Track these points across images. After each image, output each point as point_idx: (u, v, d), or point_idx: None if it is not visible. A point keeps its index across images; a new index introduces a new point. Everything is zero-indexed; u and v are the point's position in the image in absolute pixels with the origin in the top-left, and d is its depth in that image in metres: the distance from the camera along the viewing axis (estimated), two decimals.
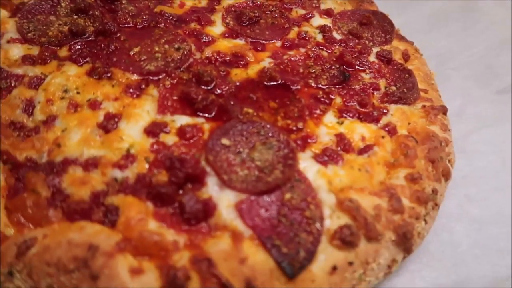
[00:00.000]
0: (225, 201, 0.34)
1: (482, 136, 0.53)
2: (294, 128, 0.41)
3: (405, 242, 0.37)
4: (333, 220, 0.35)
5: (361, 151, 0.41)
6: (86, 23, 0.45)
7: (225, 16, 0.51)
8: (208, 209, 0.34)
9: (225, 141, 0.38)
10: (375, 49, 0.52)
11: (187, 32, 0.48)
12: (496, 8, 0.66)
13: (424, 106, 0.48)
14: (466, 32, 0.62)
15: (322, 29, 0.53)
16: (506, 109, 0.57)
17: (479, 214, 0.46)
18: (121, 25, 0.47)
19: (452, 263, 0.43)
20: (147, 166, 0.36)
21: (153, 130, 0.38)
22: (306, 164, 0.38)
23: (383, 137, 0.43)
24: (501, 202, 0.47)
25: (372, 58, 0.51)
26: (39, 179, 0.34)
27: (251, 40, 0.49)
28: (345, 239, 0.34)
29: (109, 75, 0.41)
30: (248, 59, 0.47)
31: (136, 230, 0.32)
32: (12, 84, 0.39)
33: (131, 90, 0.40)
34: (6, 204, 0.35)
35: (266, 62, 0.47)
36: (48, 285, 0.30)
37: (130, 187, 0.35)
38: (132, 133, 0.37)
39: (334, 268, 0.34)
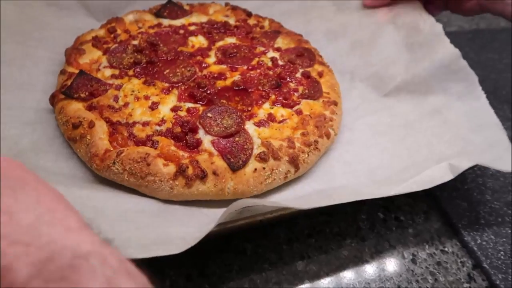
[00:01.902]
0: (206, 139, 0.66)
1: (365, 121, 0.80)
2: (246, 110, 0.73)
3: (294, 162, 0.66)
4: (257, 150, 0.66)
5: (280, 122, 0.72)
6: (142, 58, 0.80)
7: (217, 52, 0.84)
8: (198, 142, 0.66)
9: (209, 114, 0.70)
10: (301, 70, 0.82)
11: (195, 61, 0.82)
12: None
13: (323, 101, 0.81)
14: (370, 54, 0.88)
15: (272, 59, 0.84)
16: (388, 105, 0.82)
17: (350, 159, 0.73)
18: (159, 58, 0.81)
19: (328, 178, 0.70)
20: (171, 124, 0.68)
21: (175, 109, 0.71)
22: (249, 126, 0.69)
23: (292, 115, 0.73)
24: (366, 155, 0.74)
25: (298, 75, 0.81)
26: (123, 129, 0.72)
27: (230, 65, 0.82)
28: (261, 157, 0.65)
29: (154, 83, 0.78)
30: (227, 75, 0.79)
31: (165, 150, 0.68)
32: (107, 88, 0.75)
33: (164, 91, 0.75)
34: (109, 140, 0.72)
35: (237, 77, 0.79)
36: (129, 169, 0.67)
37: (163, 133, 0.68)
38: (164, 110, 0.70)
39: (255, 170, 0.64)
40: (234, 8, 0.98)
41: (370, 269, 0.66)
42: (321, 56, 0.91)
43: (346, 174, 0.73)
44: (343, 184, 0.71)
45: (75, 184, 0.64)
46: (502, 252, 0.68)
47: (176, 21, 0.92)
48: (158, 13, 0.92)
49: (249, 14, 0.97)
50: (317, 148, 0.73)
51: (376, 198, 0.63)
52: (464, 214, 0.73)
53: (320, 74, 0.85)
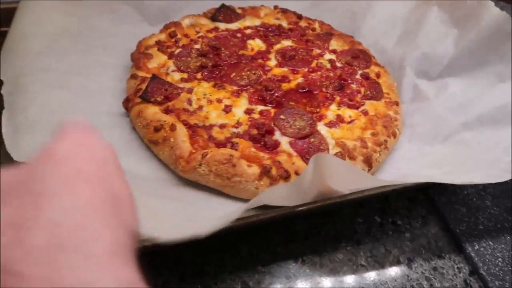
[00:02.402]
0: (284, 140, 0.68)
1: (422, 111, 0.81)
2: (315, 111, 0.77)
3: (368, 161, 0.69)
4: (333, 150, 0.69)
5: (349, 122, 0.75)
6: (207, 61, 0.82)
7: (276, 55, 0.86)
8: (276, 144, 0.68)
9: (282, 116, 0.73)
10: (360, 71, 0.85)
11: (257, 65, 0.83)
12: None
13: (385, 101, 0.85)
14: (418, 39, 0.88)
15: (330, 61, 0.86)
16: (442, 86, 0.82)
17: (414, 155, 0.74)
18: (223, 61, 0.83)
19: (396, 173, 0.72)
20: (247, 127, 0.70)
21: (248, 111, 0.74)
22: (321, 127, 0.70)
23: (360, 115, 0.75)
24: (429, 149, 0.75)
25: (358, 76, 0.84)
26: (202, 132, 0.73)
27: (291, 68, 0.84)
28: (338, 157, 0.72)
29: (223, 87, 0.80)
30: (290, 78, 0.81)
31: (246, 152, 0.70)
32: (180, 92, 0.78)
33: (234, 94, 0.77)
34: (190, 142, 0.73)
35: (300, 79, 0.81)
36: (216, 170, 0.69)
37: (241, 135, 0.71)
38: (238, 113, 0.71)
39: None
40: (284, 11, 1.00)
41: (364, 273, 0.66)
42: (374, 57, 0.93)
43: (412, 168, 0.74)
44: (411, 174, 0.73)
45: (161, 186, 0.66)
46: (500, 259, 0.67)
47: (231, 25, 0.93)
48: (213, 17, 0.93)
49: (299, 17, 0.99)
50: (386, 147, 0.75)
51: (382, 198, 0.65)
52: (463, 219, 0.72)
53: (378, 75, 0.88)
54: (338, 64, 0.88)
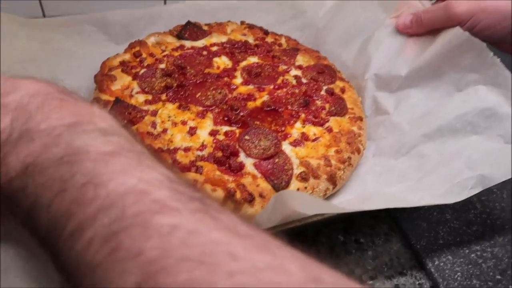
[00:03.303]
0: (248, 162, 0.68)
1: (385, 124, 0.82)
2: (280, 130, 0.75)
3: (332, 180, 0.69)
4: (297, 170, 0.68)
5: (313, 140, 0.75)
6: (172, 81, 0.82)
7: (242, 73, 0.86)
8: (241, 166, 0.68)
9: (246, 137, 0.73)
10: (325, 87, 0.85)
11: (223, 83, 0.83)
12: None
13: (349, 117, 0.85)
14: (377, 52, 0.88)
15: (295, 77, 0.86)
16: (403, 97, 0.82)
17: (380, 169, 0.75)
18: (189, 81, 0.83)
19: (361, 189, 0.73)
20: (212, 149, 0.70)
21: (213, 133, 0.73)
22: (285, 147, 0.71)
23: (324, 133, 0.76)
24: (394, 162, 0.75)
25: (323, 92, 0.84)
26: (166, 156, 0.73)
27: (257, 86, 0.84)
28: (302, 177, 0.68)
29: (188, 108, 0.80)
30: (256, 96, 0.81)
31: (210, 175, 0.71)
32: (144, 115, 0.77)
33: (199, 115, 0.76)
34: None
35: (265, 97, 0.81)
36: None
37: (206, 158, 0.70)
38: (203, 135, 0.71)
39: (298, 189, 0.67)
40: (251, 27, 1.00)
41: None
42: (340, 72, 0.94)
43: (377, 184, 0.75)
44: (375, 191, 0.73)
45: None
46: (459, 273, 0.68)
47: (197, 42, 0.94)
48: (179, 35, 0.93)
49: (266, 32, 1.00)
50: (350, 164, 0.76)
51: (345, 217, 0.65)
52: (423, 234, 0.73)
53: (343, 90, 0.89)
54: (304, 80, 0.89)
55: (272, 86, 0.86)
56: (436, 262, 0.69)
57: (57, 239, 0.30)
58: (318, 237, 0.72)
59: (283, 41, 1.00)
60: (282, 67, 0.91)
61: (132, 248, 0.27)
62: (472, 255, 0.72)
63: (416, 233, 0.73)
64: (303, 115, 0.81)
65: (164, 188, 0.31)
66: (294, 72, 0.91)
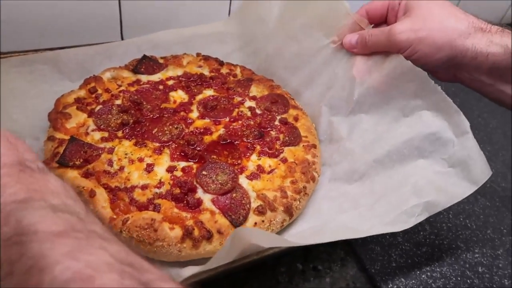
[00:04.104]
0: (206, 198, 0.69)
1: (340, 150, 0.84)
2: (236, 163, 0.77)
3: (288, 211, 0.71)
4: (254, 203, 0.70)
5: (269, 172, 0.77)
6: (128, 118, 0.82)
7: (198, 106, 0.87)
8: (199, 202, 0.68)
9: (204, 172, 0.74)
10: (279, 117, 0.88)
11: (179, 118, 0.84)
12: None
13: (303, 145, 0.85)
14: (329, 77, 0.90)
15: (250, 108, 0.89)
16: (355, 122, 0.85)
17: (334, 195, 0.78)
18: (145, 117, 0.84)
19: (316, 216, 0.75)
20: (169, 186, 0.70)
21: (170, 169, 0.74)
22: (242, 180, 0.73)
23: (279, 164, 0.78)
24: (348, 187, 0.79)
25: (277, 122, 0.87)
26: (123, 195, 0.73)
27: (213, 119, 0.85)
28: (259, 211, 0.69)
29: (145, 144, 0.80)
30: (212, 130, 0.83)
31: (168, 213, 0.71)
32: (100, 153, 0.76)
33: (156, 151, 0.76)
34: (110, 207, 0.73)
35: (221, 130, 0.83)
36: (137, 236, 0.69)
37: (163, 195, 0.69)
38: (160, 171, 0.72)
39: (255, 223, 0.68)
40: (206, 58, 1.02)
41: None
42: (293, 99, 0.97)
43: (331, 210, 0.78)
44: (329, 220, 0.76)
45: None
46: (397, 281, 0.72)
47: (153, 76, 0.95)
48: (135, 69, 0.94)
49: (221, 63, 1.02)
50: (306, 193, 0.79)
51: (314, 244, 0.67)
52: (377, 258, 0.76)
53: (296, 119, 0.92)
54: (258, 111, 0.92)
55: (227, 119, 0.88)
56: (390, 285, 0.72)
57: None
58: (277, 266, 0.74)
59: (238, 71, 1.02)
60: (237, 98, 0.94)
61: None
62: (423, 276, 0.75)
63: (370, 257, 0.76)
64: (258, 147, 0.83)
65: (112, 272, 0.31)
66: (248, 103, 0.94)
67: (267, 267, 0.73)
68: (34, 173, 0.39)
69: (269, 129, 0.88)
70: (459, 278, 0.76)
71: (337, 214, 0.77)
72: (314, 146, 0.87)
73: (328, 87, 0.92)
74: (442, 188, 0.72)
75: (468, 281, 0.77)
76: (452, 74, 0.81)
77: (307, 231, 0.74)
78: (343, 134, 0.88)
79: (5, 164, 0.38)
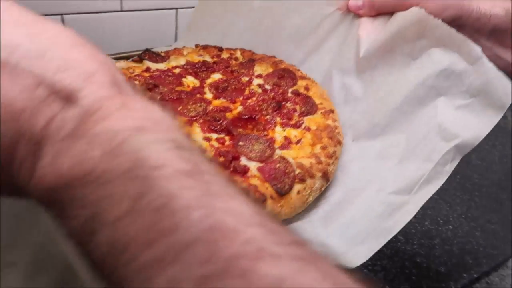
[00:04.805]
0: (252, 165, 0.70)
1: (356, 111, 0.86)
2: (263, 135, 0.78)
3: (325, 176, 0.73)
4: (296, 172, 0.71)
5: (296, 142, 0.78)
6: (154, 95, 0.80)
7: (210, 88, 0.88)
8: (246, 169, 0.69)
9: (240, 143, 0.73)
10: (290, 89, 0.91)
11: (197, 98, 0.85)
12: None
13: (321, 112, 0.87)
14: (332, 41, 0.93)
15: (260, 86, 0.91)
16: (368, 80, 0.86)
17: (359, 153, 0.80)
18: (165, 99, 0.82)
19: (346, 180, 0.78)
20: (212, 154, 0.70)
21: (206, 139, 0.74)
22: (276, 151, 0.75)
23: (304, 133, 0.80)
24: (372, 144, 0.80)
25: (289, 94, 0.89)
26: None
27: (228, 99, 0.87)
28: (300, 178, 0.70)
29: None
30: (231, 108, 0.84)
31: None
32: None
33: (187, 123, 0.77)
34: None
35: (239, 108, 0.84)
36: None
37: None
38: (199, 139, 0.73)
39: (298, 191, 0.70)
40: (205, 47, 1.03)
41: None
42: (299, 70, 0.99)
43: (361, 170, 0.80)
44: (362, 180, 0.78)
45: None
46: None
47: (160, 65, 0.95)
48: (140, 57, 0.94)
49: (220, 49, 1.03)
50: (336, 157, 0.81)
51: None
52: None
53: (307, 88, 0.94)
54: (268, 87, 0.94)
55: (241, 98, 0.90)
56: None
57: (124, 266, 0.26)
58: None
59: (238, 54, 1.04)
60: (245, 78, 0.95)
61: None
62: (364, 270, 0.76)
63: None
64: (278, 119, 0.85)
65: (254, 225, 0.27)
66: (256, 81, 0.95)
67: None
68: (138, 98, 0.33)
69: (283, 102, 0.90)
70: (398, 270, 0.79)
71: (369, 174, 0.79)
72: (332, 111, 0.89)
73: (336, 52, 0.94)
74: (468, 123, 0.73)
75: (407, 271, 0.80)
76: None
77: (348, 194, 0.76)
78: (357, 94, 0.89)
79: (103, 83, 0.32)
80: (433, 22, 0.76)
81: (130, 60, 0.96)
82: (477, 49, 0.74)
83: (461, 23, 0.77)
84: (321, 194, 0.78)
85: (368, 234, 0.69)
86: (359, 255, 0.66)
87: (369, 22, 0.88)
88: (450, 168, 0.72)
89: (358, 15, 0.90)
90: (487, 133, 0.71)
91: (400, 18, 0.82)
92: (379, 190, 0.75)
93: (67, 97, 0.30)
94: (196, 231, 0.25)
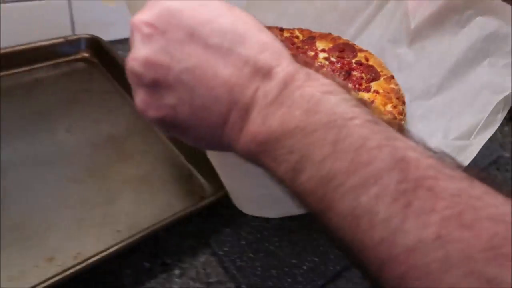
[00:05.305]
0: None
1: (411, 78, 0.98)
2: None
3: (401, 129, 0.82)
4: None
5: (371, 103, 0.94)
6: None
7: None
8: None
9: None
10: (353, 60, 1.01)
11: None
12: None
13: (383, 78, 0.99)
14: (385, 15, 1.05)
15: (326, 59, 1.01)
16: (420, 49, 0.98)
17: (423, 111, 0.92)
18: None
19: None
20: None
21: None
22: None
23: (375, 96, 0.91)
24: (428, 103, 0.95)
25: (353, 65, 1.01)
26: None
27: None
28: None
29: None
30: None
31: None
32: None
33: None
34: None
35: None
36: None
37: None
38: None
39: None
40: (269, 28, 1.13)
41: None
42: (356, 44, 1.10)
43: (424, 127, 0.92)
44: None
45: None
46: (259, 268, 0.68)
47: None
48: None
49: (281, 29, 1.13)
50: (405, 113, 0.92)
51: (152, 242, 0.69)
52: (227, 239, 0.72)
53: (367, 59, 1.05)
54: (333, 59, 1.04)
55: (314, 69, 1.00)
56: (238, 263, 0.68)
57: (333, 191, 0.33)
58: (122, 269, 0.66)
59: (297, 33, 1.14)
60: (310, 53, 1.06)
61: (425, 206, 0.29)
62: (271, 247, 0.72)
63: (220, 239, 0.71)
64: (350, 85, 0.96)
65: (429, 157, 0.33)
66: (322, 55, 1.06)
67: (108, 272, 0.65)
68: (310, 70, 0.43)
69: (351, 71, 1.00)
70: (306, 242, 0.76)
71: (433, 125, 0.91)
72: (392, 77, 1.01)
73: (385, 26, 1.06)
74: None
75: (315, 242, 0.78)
76: None
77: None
78: (410, 61, 1.02)
79: (289, 60, 0.43)
80: None
81: None
82: None
83: None
84: None
85: None
86: None
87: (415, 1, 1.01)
88: (501, 116, 0.83)
89: None
90: None
91: None
92: (444, 137, 0.88)
93: (267, 73, 0.39)
94: (390, 162, 0.32)
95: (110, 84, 0.98)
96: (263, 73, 0.39)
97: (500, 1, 0.87)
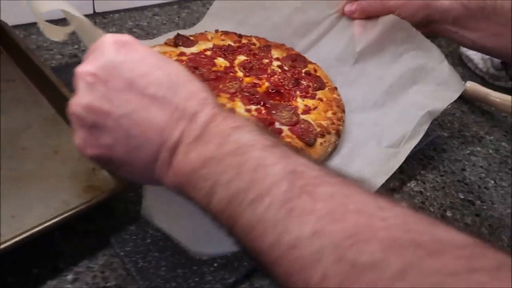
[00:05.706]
0: (284, 128, 0.86)
1: (359, 86, 1.11)
2: (289, 105, 1.01)
3: (338, 133, 0.91)
4: (317, 130, 0.94)
5: (313, 109, 0.97)
6: (200, 74, 1.03)
7: (239, 68, 1.05)
8: (280, 131, 0.87)
9: (273, 111, 0.92)
10: (303, 70, 1.09)
11: (232, 77, 1.03)
12: None
13: (328, 88, 1.08)
14: (333, 37, 1.18)
15: (279, 66, 1.08)
16: (361, 71, 1.14)
17: (359, 120, 1.05)
18: (206, 79, 1.04)
19: (351, 140, 1.09)
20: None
21: (247, 111, 0.93)
22: (301, 116, 1.00)
23: (319, 102, 0.99)
24: (363, 116, 1.12)
25: (303, 74, 1.09)
26: None
27: (255, 76, 1.04)
28: (321, 134, 0.88)
29: (219, 95, 0.93)
30: (260, 83, 1.02)
31: None
32: None
33: (230, 99, 0.92)
34: None
35: (266, 83, 1.01)
36: None
37: None
38: (242, 111, 0.87)
39: (321, 143, 0.88)
40: (226, 33, 1.22)
41: None
42: (305, 57, 1.20)
43: (360, 132, 1.05)
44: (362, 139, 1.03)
45: None
46: (163, 268, 0.64)
47: (192, 49, 1.12)
48: (175, 42, 1.11)
49: (239, 36, 1.22)
50: (343, 120, 1.03)
51: (46, 244, 0.64)
52: (131, 238, 0.67)
53: (315, 70, 1.15)
54: (286, 68, 1.14)
55: (266, 76, 1.09)
56: (140, 264, 0.63)
57: (238, 207, 0.38)
58: (4, 278, 0.60)
59: (254, 40, 1.23)
60: (265, 60, 1.15)
61: (305, 208, 0.35)
62: (179, 245, 0.67)
63: (123, 239, 0.66)
64: (298, 93, 1.06)
65: (315, 169, 0.40)
66: (275, 63, 1.15)
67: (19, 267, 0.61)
68: (227, 111, 0.49)
69: (300, 80, 1.10)
70: None
71: (368, 134, 1.03)
72: (335, 88, 1.12)
73: (333, 45, 1.20)
74: (436, 97, 1.05)
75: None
76: (427, 27, 1.11)
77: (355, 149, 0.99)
78: (352, 79, 1.16)
79: (213, 105, 0.49)
80: (414, 32, 1.08)
81: (166, 42, 1.13)
82: (442, 55, 1.09)
83: (430, 18, 1.08)
84: (334, 149, 1.00)
85: (372, 175, 0.92)
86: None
87: (361, 23, 1.16)
88: (425, 128, 1.02)
89: (352, 18, 1.17)
90: (451, 102, 1.04)
91: (382, 21, 1.12)
92: (377, 145, 1.02)
93: (192, 117, 0.45)
94: (281, 175, 0.38)
95: (14, 71, 0.88)
96: (189, 117, 0.46)
97: (429, 42, 1.09)
